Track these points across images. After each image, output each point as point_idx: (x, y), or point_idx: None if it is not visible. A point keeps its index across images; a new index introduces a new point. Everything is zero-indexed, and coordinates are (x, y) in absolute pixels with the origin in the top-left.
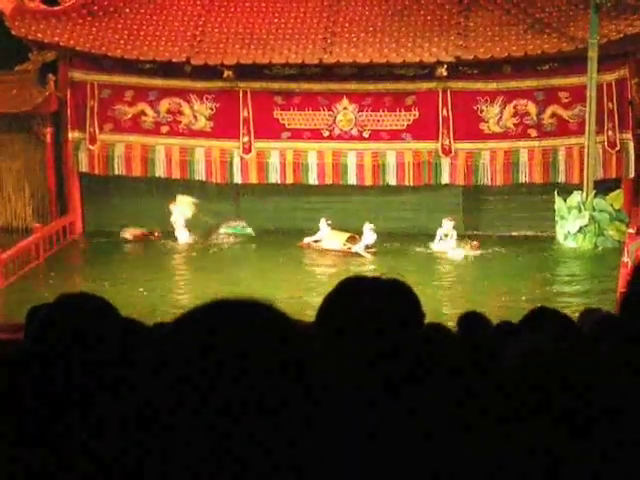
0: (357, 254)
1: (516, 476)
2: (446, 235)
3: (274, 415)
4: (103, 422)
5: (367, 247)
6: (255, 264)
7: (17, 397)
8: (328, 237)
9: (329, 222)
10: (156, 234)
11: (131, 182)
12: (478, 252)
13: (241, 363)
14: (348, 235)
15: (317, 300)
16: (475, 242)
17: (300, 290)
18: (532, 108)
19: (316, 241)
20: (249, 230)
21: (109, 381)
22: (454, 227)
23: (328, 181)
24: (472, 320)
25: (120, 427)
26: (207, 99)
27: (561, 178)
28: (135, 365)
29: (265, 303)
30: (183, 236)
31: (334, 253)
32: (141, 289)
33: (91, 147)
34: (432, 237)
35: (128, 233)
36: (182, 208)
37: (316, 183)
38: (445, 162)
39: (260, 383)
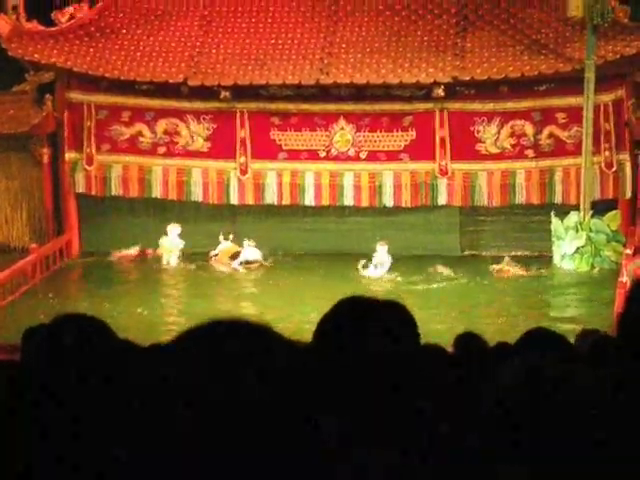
0: (235, 269)
1: None
2: (380, 262)
3: (273, 433)
4: (100, 444)
5: (247, 262)
6: (251, 286)
7: (13, 418)
8: (220, 252)
9: (228, 237)
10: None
11: (128, 203)
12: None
13: (239, 382)
14: (234, 251)
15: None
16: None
17: (293, 313)
18: (529, 129)
19: (216, 255)
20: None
21: (107, 402)
22: (388, 251)
23: (325, 202)
24: (468, 341)
25: (119, 448)
26: (204, 120)
27: (558, 199)
28: (132, 386)
29: (259, 324)
30: (174, 259)
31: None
32: (139, 309)
33: (88, 168)
34: (430, 258)
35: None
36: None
37: (313, 204)
38: (442, 183)
39: (257, 401)
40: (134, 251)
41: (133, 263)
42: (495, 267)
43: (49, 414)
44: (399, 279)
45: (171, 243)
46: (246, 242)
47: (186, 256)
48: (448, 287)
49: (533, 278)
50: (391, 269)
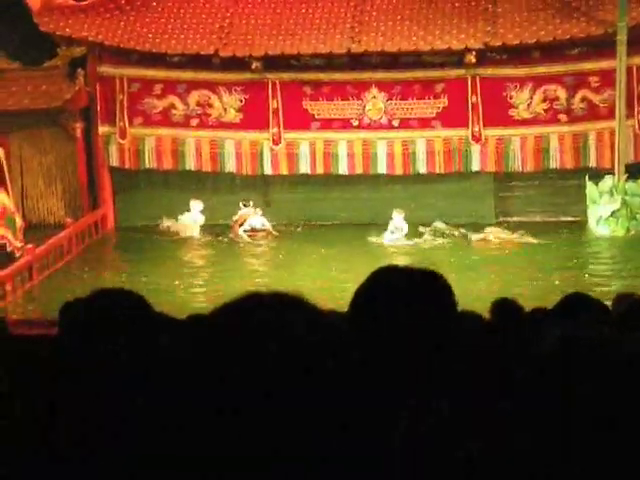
0: (240, 237)
1: (550, 461)
2: (397, 228)
3: (308, 404)
4: (139, 417)
5: (254, 230)
6: (285, 256)
7: (51, 392)
8: (236, 219)
9: (248, 204)
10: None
11: (162, 175)
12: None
13: (277, 354)
14: (245, 218)
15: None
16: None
17: (327, 283)
18: (562, 93)
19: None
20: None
21: (144, 376)
22: (404, 218)
23: (358, 170)
24: (505, 307)
25: (156, 422)
26: (236, 91)
27: (592, 163)
28: (170, 359)
29: (296, 296)
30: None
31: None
32: (177, 282)
33: (121, 141)
34: (464, 226)
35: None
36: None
37: (346, 173)
38: (475, 149)
39: (295, 372)
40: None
41: (167, 236)
42: (474, 237)
43: (87, 388)
44: (425, 245)
45: (192, 219)
46: (252, 210)
47: (220, 228)
48: (482, 252)
49: (522, 245)
50: (408, 235)
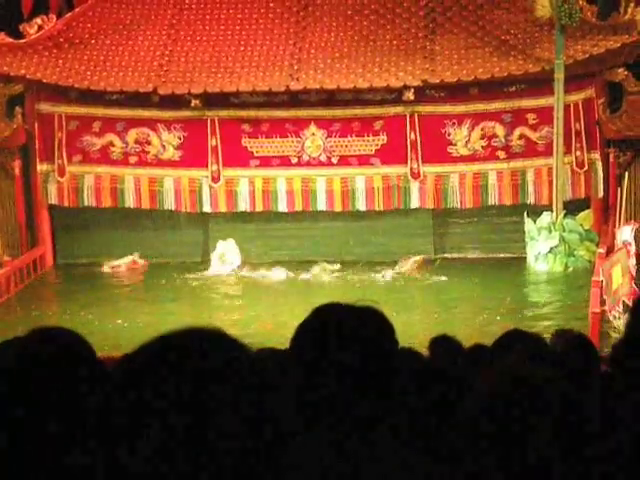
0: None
1: None
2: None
3: (233, 444)
4: (71, 459)
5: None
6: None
7: None
8: None
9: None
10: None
11: (101, 213)
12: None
13: (199, 393)
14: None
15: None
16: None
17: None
18: (500, 130)
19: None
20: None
21: (80, 414)
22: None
23: (298, 208)
24: (443, 344)
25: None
26: (175, 128)
27: (530, 199)
28: (105, 398)
29: (220, 332)
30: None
31: None
32: (119, 320)
33: (60, 179)
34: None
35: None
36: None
37: (285, 210)
38: (414, 186)
39: (219, 410)
40: (127, 261)
41: (112, 274)
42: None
43: (22, 427)
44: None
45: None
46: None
47: (161, 265)
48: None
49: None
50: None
